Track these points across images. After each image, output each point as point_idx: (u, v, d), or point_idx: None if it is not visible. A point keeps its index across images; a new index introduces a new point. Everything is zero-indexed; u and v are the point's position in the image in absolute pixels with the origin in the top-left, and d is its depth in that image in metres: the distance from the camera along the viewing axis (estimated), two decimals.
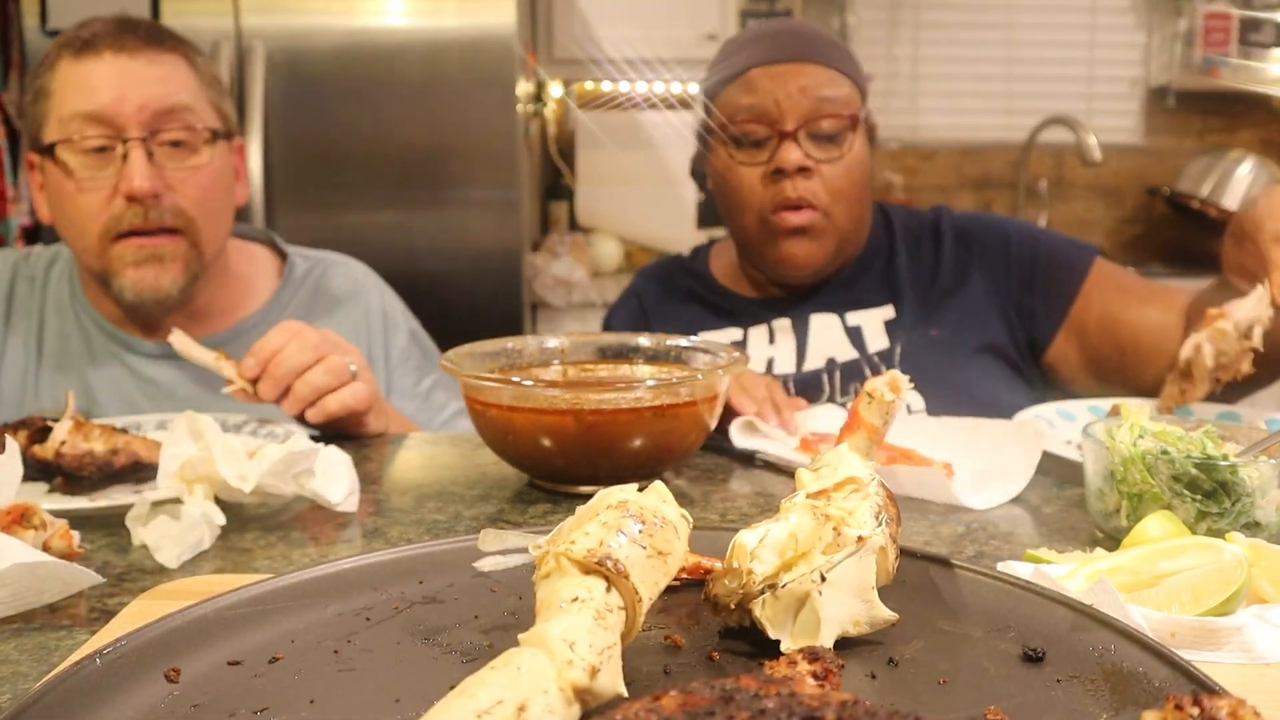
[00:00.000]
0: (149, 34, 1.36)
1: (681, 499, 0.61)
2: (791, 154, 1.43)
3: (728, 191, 1.51)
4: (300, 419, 1.23)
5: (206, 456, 0.91)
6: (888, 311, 1.53)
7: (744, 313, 1.58)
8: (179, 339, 1.21)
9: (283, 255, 1.59)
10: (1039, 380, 1.54)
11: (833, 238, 1.48)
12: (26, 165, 1.40)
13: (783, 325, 1.55)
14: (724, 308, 1.60)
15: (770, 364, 1.52)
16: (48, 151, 1.34)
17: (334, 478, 0.96)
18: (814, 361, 1.51)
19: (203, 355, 1.21)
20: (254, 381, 1.19)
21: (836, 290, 1.55)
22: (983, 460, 1.06)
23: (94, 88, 1.32)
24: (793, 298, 1.57)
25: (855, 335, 1.52)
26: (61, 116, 1.33)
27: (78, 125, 1.32)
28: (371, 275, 1.63)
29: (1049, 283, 1.51)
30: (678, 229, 3.35)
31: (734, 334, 1.56)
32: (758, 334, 1.56)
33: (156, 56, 1.35)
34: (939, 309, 1.52)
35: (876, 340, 1.50)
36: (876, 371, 1.46)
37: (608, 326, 1.71)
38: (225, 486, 0.91)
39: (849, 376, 1.47)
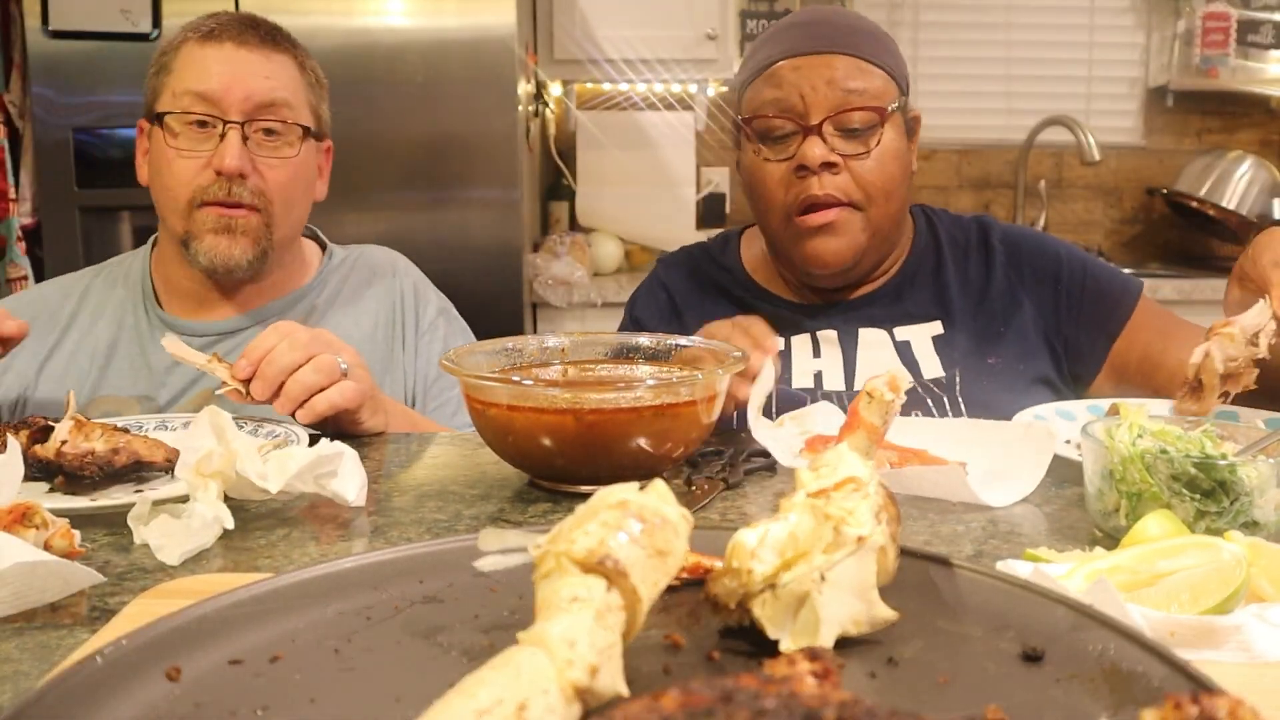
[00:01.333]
0: (268, 34, 1.51)
1: (682, 499, 0.61)
2: (815, 149, 1.37)
3: (755, 188, 1.47)
4: (293, 418, 1.23)
5: (226, 453, 0.91)
6: (935, 328, 1.48)
7: (786, 321, 1.50)
8: (171, 342, 1.22)
9: (322, 246, 1.73)
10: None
11: (863, 234, 1.42)
12: (137, 129, 1.56)
13: (828, 338, 1.48)
14: (762, 311, 1.50)
15: (818, 378, 1.46)
16: (158, 119, 1.48)
17: (348, 475, 0.96)
18: (865, 381, 1.45)
19: (195, 358, 1.21)
20: (246, 382, 1.20)
21: (883, 301, 1.50)
22: (994, 459, 1.05)
23: (209, 71, 1.46)
24: (838, 306, 1.51)
25: (905, 351, 1.46)
26: (175, 90, 1.47)
27: (188, 100, 1.46)
28: (402, 258, 1.76)
29: (1094, 317, 1.47)
30: (678, 229, 3.35)
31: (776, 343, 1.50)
32: (801, 344, 1.49)
33: (270, 55, 1.50)
34: (990, 333, 1.47)
35: (929, 364, 1.45)
36: (935, 399, 1.41)
37: (632, 316, 1.63)
38: (239, 484, 0.92)
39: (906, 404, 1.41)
